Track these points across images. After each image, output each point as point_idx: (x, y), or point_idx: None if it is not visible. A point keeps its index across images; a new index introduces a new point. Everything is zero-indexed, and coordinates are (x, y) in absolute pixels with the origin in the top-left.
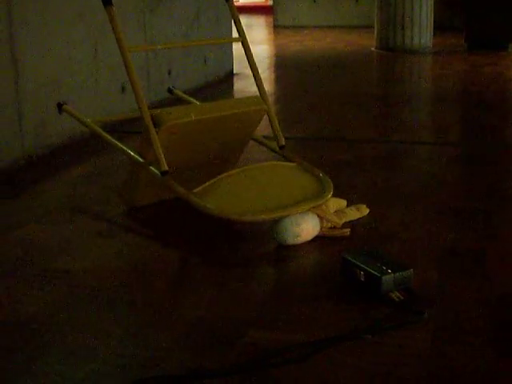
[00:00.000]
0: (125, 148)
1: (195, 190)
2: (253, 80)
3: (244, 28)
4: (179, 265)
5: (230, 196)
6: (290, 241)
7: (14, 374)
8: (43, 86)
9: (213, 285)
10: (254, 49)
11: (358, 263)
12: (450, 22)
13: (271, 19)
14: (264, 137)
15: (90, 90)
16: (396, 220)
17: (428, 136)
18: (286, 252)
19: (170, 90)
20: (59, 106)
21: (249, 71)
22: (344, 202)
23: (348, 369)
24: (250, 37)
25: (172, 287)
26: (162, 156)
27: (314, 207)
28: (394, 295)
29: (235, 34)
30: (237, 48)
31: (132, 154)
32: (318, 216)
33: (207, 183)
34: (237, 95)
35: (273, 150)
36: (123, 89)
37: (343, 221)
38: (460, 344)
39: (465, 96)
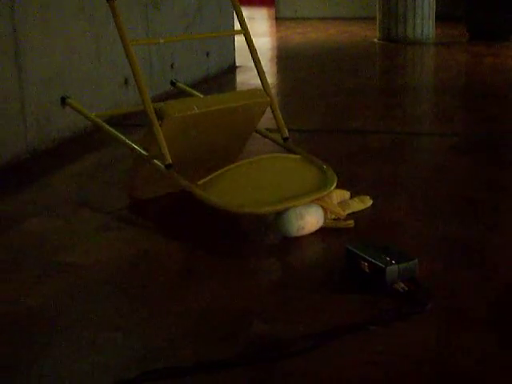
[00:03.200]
0: (128, 141)
1: (199, 183)
2: (255, 72)
3: (246, 20)
4: (184, 257)
5: (233, 188)
6: (294, 233)
7: (19, 366)
8: (46, 80)
9: (217, 277)
10: (256, 41)
11: (363, 254)
12: (452, 12)
13: (273, 11)
14: (267, 129)
15: (93, 84)
16: (400, 211)
17: (431, 126)
18: (290, 244)
19: (172, 83)
20: (63, 99)
21: (251, 64)
22: (347, 194)
23: (353, 360)
24: (251, 29)
25: (177, 280)
26: (166, 149)
27: (317, 199)
28: (398, 286)
29: (237, 27)
30: (239, 40)
31: (136, 147)
32: (322, 208)
33: (211, 176)
34: (239, 88)
35: (276, 142)
36: (126, 82)
37: (347, 212)
38: (464, 334)
39: (467, 86)
